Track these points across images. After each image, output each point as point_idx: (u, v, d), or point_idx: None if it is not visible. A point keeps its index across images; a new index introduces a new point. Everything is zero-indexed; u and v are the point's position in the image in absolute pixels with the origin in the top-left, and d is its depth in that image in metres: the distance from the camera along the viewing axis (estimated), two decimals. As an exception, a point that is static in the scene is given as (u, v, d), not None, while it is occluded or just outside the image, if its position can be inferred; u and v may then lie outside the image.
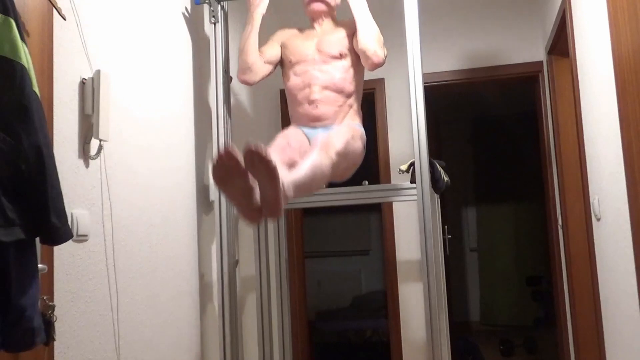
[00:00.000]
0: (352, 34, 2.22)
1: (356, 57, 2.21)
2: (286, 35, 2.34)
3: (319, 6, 2.26)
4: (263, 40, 2.33)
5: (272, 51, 2.30)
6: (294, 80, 2.21)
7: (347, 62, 2.19)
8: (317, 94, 2.14)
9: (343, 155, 1.96)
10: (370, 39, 2.12)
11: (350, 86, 2.19)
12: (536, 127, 3.68)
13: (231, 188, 1.56)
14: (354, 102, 2.22)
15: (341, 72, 2.17)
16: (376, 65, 2.14)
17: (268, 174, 1.48)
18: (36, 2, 1.41)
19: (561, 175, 3.23)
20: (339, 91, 2.16)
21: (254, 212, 1.59)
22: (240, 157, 1.47)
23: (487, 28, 3.65)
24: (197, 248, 2.35)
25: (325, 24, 2.30)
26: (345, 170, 2.12)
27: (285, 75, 2.29)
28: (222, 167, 1.49)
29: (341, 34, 2.24)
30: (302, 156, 1.97)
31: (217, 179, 1.54)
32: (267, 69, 2.28)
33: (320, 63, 2.18)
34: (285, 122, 3.11)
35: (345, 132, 2.05)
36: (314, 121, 2.16)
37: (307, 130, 2.18)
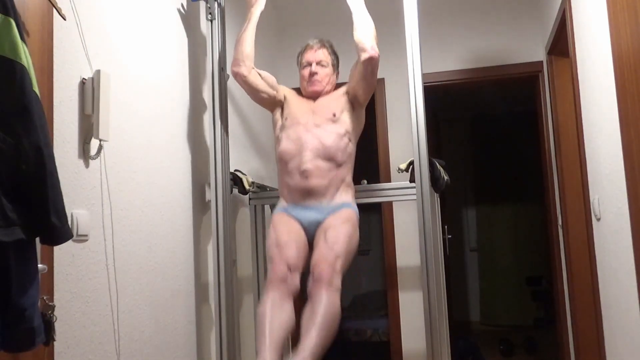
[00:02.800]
0: (348, 90, 2.24)
1: (352, 124, 2.22)
2: (289, 91, 2.36)
3: (317, 89, 2.29)
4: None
5: (271, 81, 2.31)
6: (285, 146, 2.18)
7: (341, 128, 2.18)
8: (308, 163, 2.10)
9: (346, 260, 1.98)
10: (367, 33, 2.13)
11: (342, 155, 2.15)
12: (536, 127, 3.68)
13: None
14: (346, 175, 2.18)
15: (333, 136, 2.14)
16: (372, 59, 2.11)
17: None
18: (36, 2, 1.41)
19: (561, 175, 3.23)
20: (330, 159, 2.12)
21: None
22: None
23: (487, 28, 3.65)
24: (193, 248, 2.35)
25: (322, 97, 2.31)
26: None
27: (276, 139, 2.27)
28: None
29: (337, 94, 2.27)
30: (302, 257, 2.01)
31: None
32: (258, 78, 2.26)
33: (313, 126, 2.17)
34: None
35: (344, 233, 2.01)
36: (305, 196, 2.12)
37: (298, 212, 2.13)
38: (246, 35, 2.26)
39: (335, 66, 2.37)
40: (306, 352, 1.67)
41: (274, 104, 2.33)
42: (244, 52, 2.24)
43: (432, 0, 3.64)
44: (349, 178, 2.20)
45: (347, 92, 2.25)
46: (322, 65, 2.29)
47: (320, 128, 2.16)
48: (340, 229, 2.02)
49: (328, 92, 2.31)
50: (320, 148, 2.12)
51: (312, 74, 2.27)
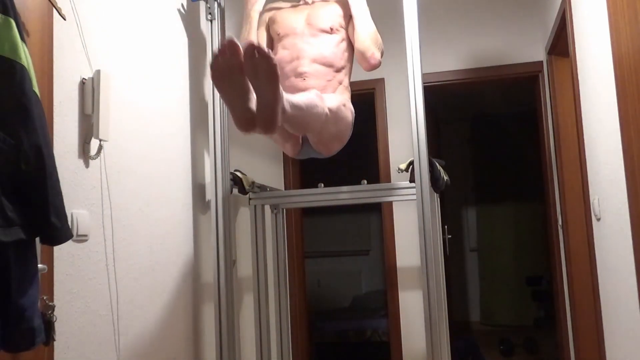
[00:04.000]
0: (346, 14, 2.18)
1: (347, 34, 2.18)
2: (273, 11, 2.28)
3: None
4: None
5: (262, 41, 2.25)
6: (281, 54, 2.14)
7: (338, 36, 2.15)
8: (305, 66, 2.08)
9: (334, 115, 1.93)
10: (369, 40, 2.12)
11: (340, 61, 2.13)
12: (536, 127, 3.68)
13: (229, 88, 1.46)
14: (343, 77, 2.16)
15: (331, 46, 2.12)
16: (373, 67, 2.12)
17: (268, 74, 1.40)
18: (36, 2, 1.41)
19: (561, 175, 3.23)
20: (329, 65, 2.11)
21: (248, 119, 1.49)
22: (241, 53, 1.40)
23: (487, 28, 3.65)
24: (193, 248, 2.35)
25: (318, 3, 2.25)
26: (333, 140, 2.09)
27: (273, 50, 2.21)
28: (223, 62, 1.41)
29: (333, 10, 2.20)
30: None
31: (216, 75, 1.45)
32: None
33: (309, 36, 2.13)
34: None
35: (338, 97, 2.02)
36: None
37: None
38: (249, 37, 2.25)
39: None
40: (287, 95, 1.59)
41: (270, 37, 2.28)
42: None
43: (432, 0, 3.64)
44: (346, 81, 2.18)
45: (344, 22, 2.19)
46: None
47: (317, 38, 2.12)
48: (333, 95, 2.04)
49: None
50: (319, 57, 2.09)
51: None
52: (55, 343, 1.42)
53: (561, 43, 3.00)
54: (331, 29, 2.15)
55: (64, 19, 1.51)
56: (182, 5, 2.41)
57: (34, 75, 1.20)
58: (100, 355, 1.67)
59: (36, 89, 1.19)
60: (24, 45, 1.18)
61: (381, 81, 3.69)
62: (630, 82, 1.81)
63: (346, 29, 2.19)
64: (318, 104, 1.79)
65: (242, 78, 1.43)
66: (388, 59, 3.57)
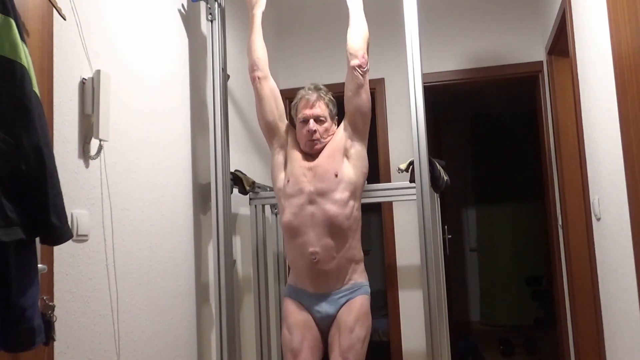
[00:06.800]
0: (346, 126, 2.16)
1: (355, 175, 2.11)
2: (291, 137, 2.23)
3: (318, 147, 2.16)
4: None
5: (279, 105, 2.24)
6: (289, 218, 2.09)
7: (345, 191, 2.07)
8: (316, 244, 2.03)
9: (362, 358, 2.01)
10: (360, 38, 2.12)
11: (348, 223, 2.06)
12: (536, 127, 3.68)
13: None
14: (354, 246, 2.11)
15: (338, 208, 2.05)
16: (359, 66, 2.08)
17: None
18: (36, 2, 1.41)
19: (561, 175, 3.23)
20: (338, 233, 2.04)
21: None
22: None
23: (487, 28, 3.65)
24: (194, 248, 2.35)
25: (323, 151, 2.17)
26: None
27: (279, 204, 2.18)
28: None
29: (335, 143, 2.15)
30: (317, 357, 2.04)
31: None
32: (273, 89, 2.22)
33: (316, 196, 2.06)
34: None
35: (358, 337, 2.01)
36: (315, 280, 2.07)
37: (310, 304, 2.10)
38: (253, 40, 2.26)
39: (334, 114, 2.24)
40: None
41: (272, 135, 2.24)
42: (253, 57, 2.23)
43: (432, 0, 3.64)
44: (357, 252, 2.14)
45: (346, 128, 2.16)
46: (321, 121, 2.15)
47: (324, 198, 2.06)
48: (354, 333, 2.01)
49: (327, 142, 2.19)
50: (328, 224, 2.04)
51: (311, 133, 2.13)
52: (55, 343, 1.42)
53: (561, 43, 3.00)
54: (336, 176, 2.07)
55: (64, 19, 1.51)
56: (183, 5, 2.41)
57: (34, 75, 1.20)
58: (100, 355, 1.67)
59: (36, 89, 1.19)
60: (24, 45, 1.18)
61: (381, 81, 3.69)
62: (630, 82, 1.81)
63: (350, 138, 2.15)
64: None
65: None
66: (388, 59, 3.58)
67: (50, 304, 1.38)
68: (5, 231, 1.10)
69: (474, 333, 5.62)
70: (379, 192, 2.57)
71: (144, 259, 1.97)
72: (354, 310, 2.06)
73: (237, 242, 2.76)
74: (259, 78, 2.21)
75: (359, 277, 2.13)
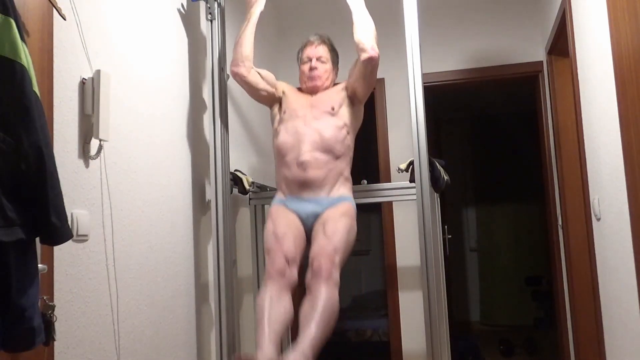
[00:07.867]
0: (347, 87, 2.25)
1: (350, 117, 2.23)
2: (288, 86, 2.38)
3: (317, 84, 2.30)
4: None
5: (270, 78, 2.34)
6: (283, 138, 2.19)
7: (339, 121, 2.19)
8: (306, 154, 2.11)
9: (345, 253, 1.98)
10: (367, 33, 2.13)
11: (340, 147, 2.16)
12: (536, 127, 3.68)
13: None
14: (344, 168, 2.18)
15: (332, 130, 2.16)
16: (372, 59, 2.12)
17: None
18: (36, 2, 1.41)
19: (561, 175, 3.23)
20: (328, 151, 2.13)
21: None
22: None
23: (487, 28, 3.65)
24: (193, 248, 2.35)
25: (321, 92, 2.32)
26: None
27: (274, 132, 2.29)
28: None
29: (335, 90, 2.29)
30: (300, 250, 2.03)
31: None
32: (257, 77, 2.29)
33: (312, 119, 2.18)
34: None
35: (343, 226, 2.03)
36: (302, 187, 2.13)
37: (296, 205, 2.14)
38: (245, 35, 2.27)
39: (335, 63, 2.39)
40: (305, 344, 1.68)
41: (273, 100, 2.35)
42: (243, 53, 2.25)
43: (432, 1, 3.64)
44: (347, 172, 2.21)
45: (346, 88, 2.27)
46: (322, 62, 2.31)
47: (319, 121, 2.18)
48: (339, 222, 2.03)
49: (327, 88, 2.33)
50: (319, 140, 2.13)
51: (312, 69, 2.29)
52: (55, 343, 1.42)
53: (561, 43, 3.00)
54: (332, 109, 2.20)
55: (64, 19, 1.51)
56: (182, 5, 2.41)
57: (34, 75, 1.20)
58: (100, 355, 1.67)
59: (36, 89, 1.19)
60: (24, 45, 1.18)
61: (381, 81, 3.69)
62: (630, 82, 1.81)
63: (347, 109, 2.24)
64: (332, 299, 1.83)
65: None
66: (388, 59, 3.58)
67: (50, 304, 1.38)
68: (5, 231, 1.10)
69: (474, 333, 5.63)
70: (379, 192, 2.57)
71: (143, 259, 1.97)
72: (340, 208, 2.10)
73: (236, 242, 2.76)
74: (243, 75, 2.26)
75: (347, 192, 2.18)
